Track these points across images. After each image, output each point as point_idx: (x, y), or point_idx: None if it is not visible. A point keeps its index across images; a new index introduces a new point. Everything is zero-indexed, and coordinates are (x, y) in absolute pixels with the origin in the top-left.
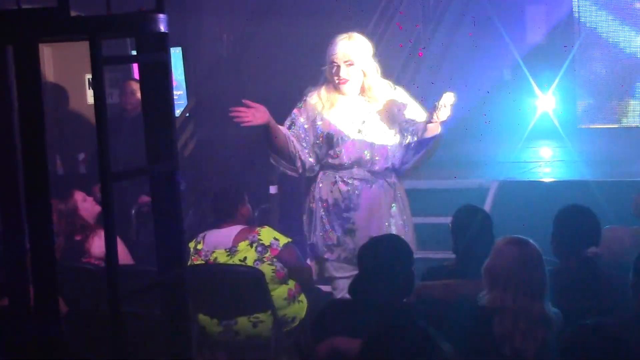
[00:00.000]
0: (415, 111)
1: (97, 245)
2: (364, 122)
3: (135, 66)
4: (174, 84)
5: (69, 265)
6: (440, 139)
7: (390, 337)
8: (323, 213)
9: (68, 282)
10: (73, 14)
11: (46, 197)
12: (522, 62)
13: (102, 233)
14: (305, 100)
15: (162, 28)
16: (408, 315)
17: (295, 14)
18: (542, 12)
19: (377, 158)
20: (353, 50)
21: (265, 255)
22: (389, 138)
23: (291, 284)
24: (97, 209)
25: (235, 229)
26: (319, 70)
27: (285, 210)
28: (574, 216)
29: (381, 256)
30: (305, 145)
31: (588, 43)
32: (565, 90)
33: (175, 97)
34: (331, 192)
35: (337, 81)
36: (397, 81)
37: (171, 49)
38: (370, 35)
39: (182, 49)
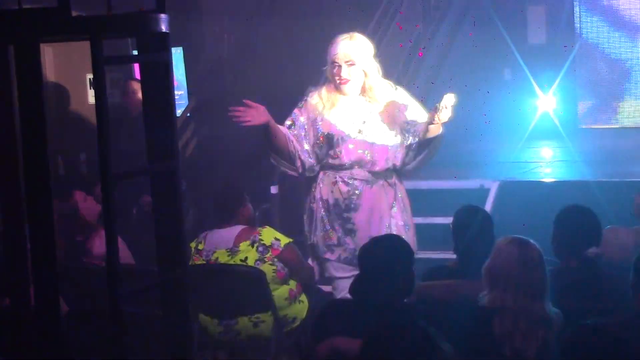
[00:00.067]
0: (416, 112)
1: (98, 245)
2: (364, 122)
3: (136, 66)
4: (175, 83)
5: (69, 264)
6: (441, 139)
7: (391, 337)
8: (323, 213)
9: (69, 282)
10: (74, 14)
11: (47, 197)
12: (522, 63)
13: (103, 233)
14: (306, 100)
15: (163, 28)
16: (408, 315)
17: (296, 14)
18: (542, 13)
19: (377, 158)
20: (354, 51)
21: (266, 256)
22: (389, 138)
23: (292, 284)
24: (98, 208)
25: (236, 229)
26: (320, 70)
27: (286, 210)
28: (574, 216)
29: (382, 256)
30: (305, 146)
31: (589, 43)
32: (566, 91)
33: (176, 97)
34: (332, 192)
35: (338, 81)
36: (398, 81)
37: (172, 48)
38: (371, 36)
39: (183, 49)
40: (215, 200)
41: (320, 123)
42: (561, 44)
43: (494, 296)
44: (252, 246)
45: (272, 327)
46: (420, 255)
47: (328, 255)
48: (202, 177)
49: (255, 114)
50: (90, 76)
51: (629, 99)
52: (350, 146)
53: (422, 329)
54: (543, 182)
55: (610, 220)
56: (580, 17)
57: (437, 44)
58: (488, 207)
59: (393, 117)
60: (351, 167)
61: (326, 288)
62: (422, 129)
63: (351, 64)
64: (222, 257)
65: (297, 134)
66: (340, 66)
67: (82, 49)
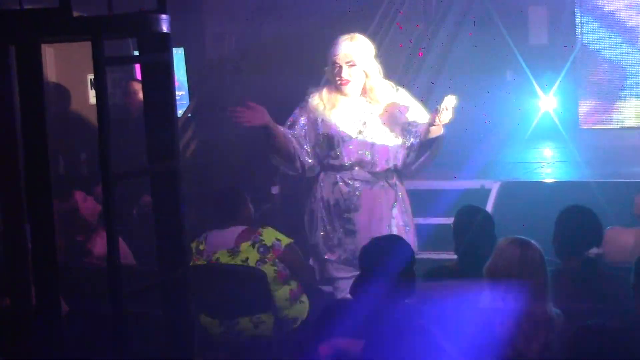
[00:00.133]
0: (417, 112)
1: (99, 245)
2: (365, 123)
3: (137, 66)
4: (176, 84)
5: (70, 265)
6: (442, 140)
7: (393, 337)
8: (324, 213)
9: (69, 282)
10: (75, 14)
11: (48, 197)
12: (523, 63)
13: (104, 233)
14: (307, 101)
15: (164, 28)
16: (409, 316)
17: (297, 15)
18: (543, 13)
19: (378, 159)
20: (355, 51)
21: (267, 256)
22: (390, 139)
23: (293, 284)
24: (98, 208)
25: (237, 230)
26: (321, 71)
27: (287, 210)
28: (575, 217)
29: (382, 257)
30: (305, 146)
31: (590, 43)
32: (567, 91)
33: (177, 98)
34: (332, 192)
35: (338, 82)
36: (399, 82)
37: (173, 49)
38: (372, 36)
39: (184, 49)
40: (216, 201)
41: (320, 124)
42: (562, 45)
43: (495, 297)
44: (253, 247)
45: (273, 328)
46: (421, 255)
47: (328, 256)
48: (202, 178)
49: (255, 115)
50: (91, 76)
51: (629, 99)
52: (351, 147)
53: (424, 329)
54: (544, 182)
55: (610, 221)
56: (581, 18)
57: (438, 44)
58: (489, 207)
59: (394, 118)
60: (351, 167)
61: (327, 288)
62: (423, 130)
63: (352, 65)
64: (223, 258)
65: (297, 134)
66: (340, 67)
67: (83, 50)
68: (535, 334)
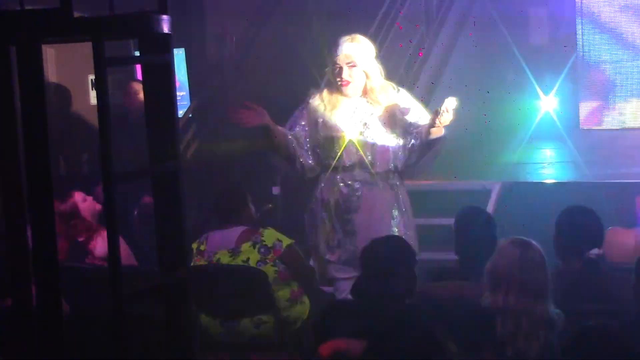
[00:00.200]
0: (418, 113)
1: (100, 245)
2: (365, 124)
3: (138, 67)
4: (177, 84)
5: (71, 265)
6: (444, 141)
7: (394, 338)
8: (324, 214)
9: (70, 283)
10: (76, 15)
11: (49, 197)
12: (524, 63)
13: (105, 234)
14: (307, 101)
15: (165, 29)
16: (410, 316)
17: (298, 15)
18: (544, 13)
19: (378, 160)
20: (355, 52)
21: (268, 257)
22: (390, 140)
23: (294, 285)
24: (98, 207)
25: (238, 230)
26: (322, 72)
27: (288, 211)
28: (576, 217)
29: (383, 257)
30: (305, 147)
31: (591, 44)
32: (567, 92)
33: (177, 98)
34: (332, 193)
35: (339, 83)
36: (399, 82)
37: (174, 49)
38: (373, 37)
39: (185, 50)
40: (217, 201)
41: (321, 124)
42: (562, 45)
43: (496, 297)
44: (254, 247)
45: (274, 328)
46: (422, 256)
47: (329, 256)
48: (203, 178)
49: (254, 115)
50: (92, 77)
51: (630, 100)
52: (351, 148)
53: (426, 329)
54: (545, 183)
55: (612, 222)
56: (582, 18)
57: (438, 44)
58: (490, 208)
59: (394, 118)
60: (352, 168)
61: (327, 289)
62: (423, 131)
63: (352, 66)
64: (224, 258)
65: (298, 135)
66: (341, 68)
67: (83, 50)
68: (536, 334)
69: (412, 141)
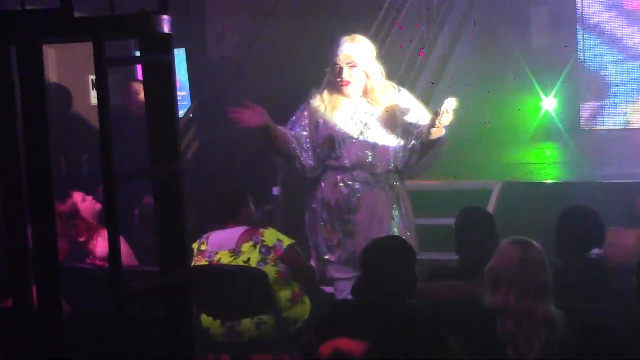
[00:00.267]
0: (419, 113)
1: (101, 245)
2: (366, 124)
3: (139, 67)
4: (177, 84)
5: (72, 265)
6: (444, 141)
7: (400, 337)
8: (324, 214)
9: (70, 283)
10: (76, 14)
11: (49, 197)
12: (525, 64)
13: (105, 233)
14: (308, 101)
15: (166, 29)
16: (416, 315)
17: (299, 15)
18: (545, 14)
19: (378, 160)
20: (355, 52)
21: (268, 257)
22: (391, 140)
23: (295, 285)
24: (98, 206)
25: (239, 230)
26: (323, 72)
27: (288, 211)
28: (577, 217)
29: (384, 257)
30: (305, 147)
31: (591, 44)
32: (568, 92)
33: (178, 98)
34: (332, 193)
35: (339, 83)
36: (399, 82)
37: (175, 49)
38: (373, 37)
39: (185, 50)
40: (217, 201)
41: (322, 125)
42: (563, 45)
43: (497, 297)
44: (255, 247)
45: (274, 329)
46: (422, 256)
47: (329, 256)
48: (204, 178)
49: (253, 115)
50: (92, 77)
51: (631, 100)
52: (351, 148)
53: (433, 328)
54: (545, 183)
55: (612, 222)
56: (583, 18)
57: (439, 44)
58: (490, 208)
59: (395, 119)
60: (352, 168)
61: (328, 289)
62: (424, 131)
63: (352, 66)
64: (225, 258)
65: (298, 135)
66: (341, 68)
67: (84, 50)
68: (536, 334)
69: (413, 141)
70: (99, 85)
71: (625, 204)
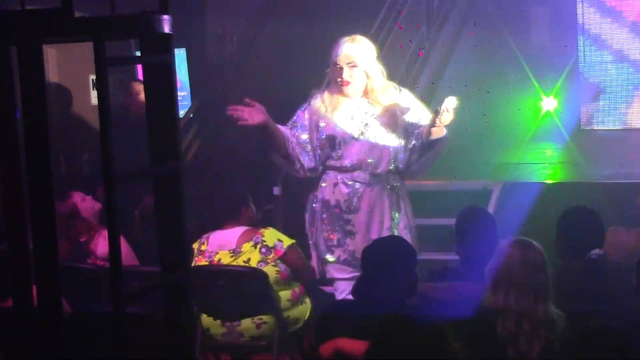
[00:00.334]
0: (419, 113)
1: (102, 246)
2: (366, 124)
3: (139, 67)
4: (178, 85)
5: (71, 265)
6: (445, 141)
7: (396, 338)
8: (324, 214)
9: (72, 283)
10: (77, 15)
11: (49, 198)
12: (525, 64)
13: (106, 234)
14: (309, 102)
15: (166, 29)
16: (411, 316)
17: (299, 16)
18: (546, 14)
19: (379, 160)
20: (356, 52)
21: (269, 257)
22: (391, 140)
23: (295, 285)
24: (98, 206)
25: (239, 230)
26: (323, 72)
27: (289, 211)
28: (577, 218)
29: (384, 258)
30: (306, 147)
31: (592, 44)
32: (569, 92)
33: (178, 98)
34: (333, 193)
35: (339, 83)
36: (399, 82)
37: (175, 50)
38: (373, 38)
39: (186, 50)
40: (218, 201)
41: (322, 125)
42: (563, 45)
43: (497, 298)
44: (255, 247)
45: (275, 329)
46: (423, 256)
47: (328, 256)
48: (204, 178)
49: (252, 112)
50: (93, 77)
51: (632, 100)
52: (352, 148)
53: (431, 328)
54: (546, 183)
55: (612, 222)
56: (583, 18)
57: (439, 44)
58: (491, 208)
59: (395, 119)
60: (353, 169)
61: (328, 289)
62: (425, 131)
63: (353, 66)
64: (225, 259)
65: (298, 135)
66: (342, 68)
67: (84, 50)
68: (537, 334)
69: (413, 141)
70: (99, 85)
71: (625, 204)
